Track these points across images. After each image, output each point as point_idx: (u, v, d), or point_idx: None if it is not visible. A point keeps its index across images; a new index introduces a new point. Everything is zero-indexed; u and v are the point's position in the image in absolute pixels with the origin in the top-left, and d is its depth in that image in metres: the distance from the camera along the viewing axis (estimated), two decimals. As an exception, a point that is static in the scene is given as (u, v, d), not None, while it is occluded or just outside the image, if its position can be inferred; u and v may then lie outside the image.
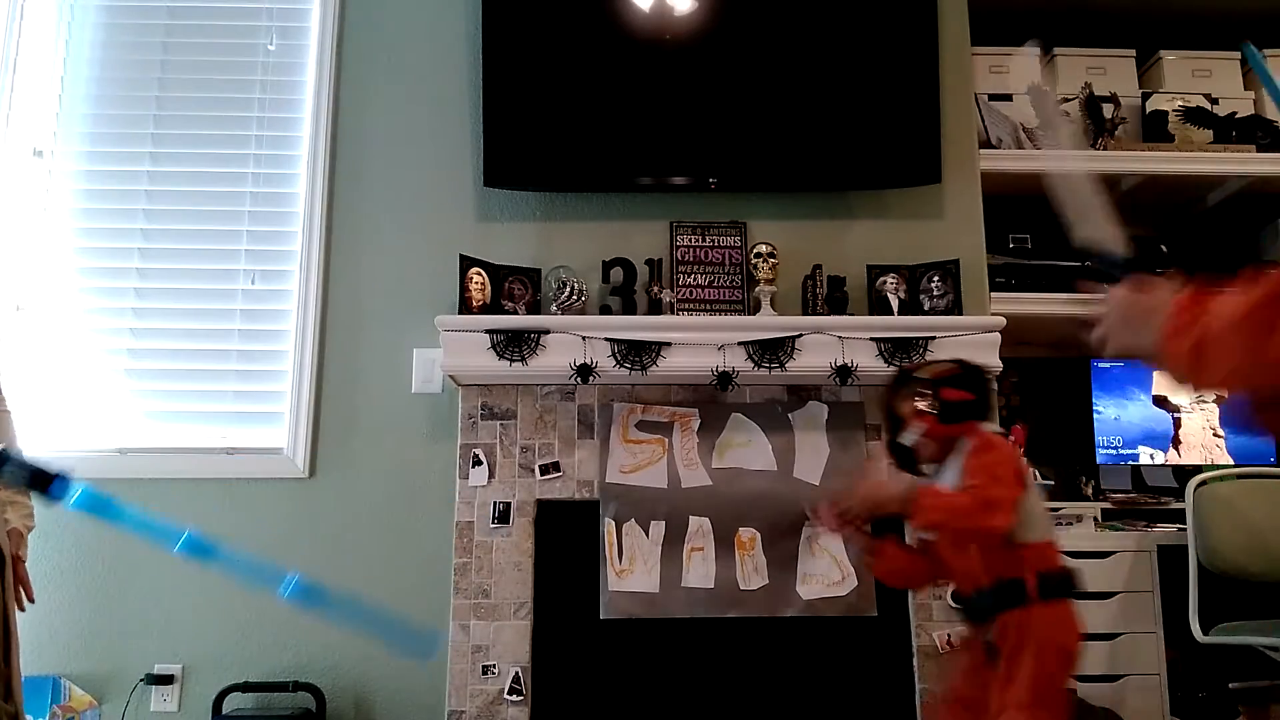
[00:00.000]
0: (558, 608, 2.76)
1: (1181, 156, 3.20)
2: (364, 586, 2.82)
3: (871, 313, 2.89)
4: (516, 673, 2.70)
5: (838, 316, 2.83)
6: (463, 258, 2.84)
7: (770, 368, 2.72)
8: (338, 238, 3.03)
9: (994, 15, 3.33)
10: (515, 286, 2.89)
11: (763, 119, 2.97)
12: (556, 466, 2.82)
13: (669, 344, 2.72)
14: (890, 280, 2.90)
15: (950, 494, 1.87)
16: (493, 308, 2.83)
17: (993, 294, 3.03)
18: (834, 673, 2.75)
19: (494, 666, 2.70)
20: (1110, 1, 3.47)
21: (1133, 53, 3.49)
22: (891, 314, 2.86)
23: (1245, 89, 3.48)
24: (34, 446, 2.91)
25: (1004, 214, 3.25)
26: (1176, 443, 3.35)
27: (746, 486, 2.80)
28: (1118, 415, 3.36)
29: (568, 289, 2.87)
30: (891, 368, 2.72)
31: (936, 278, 2.89)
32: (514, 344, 2.71)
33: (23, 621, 2.81)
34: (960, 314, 2.85)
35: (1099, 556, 2.85)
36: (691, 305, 2.93)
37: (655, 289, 2.89)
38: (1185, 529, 2.75)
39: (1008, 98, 3.32)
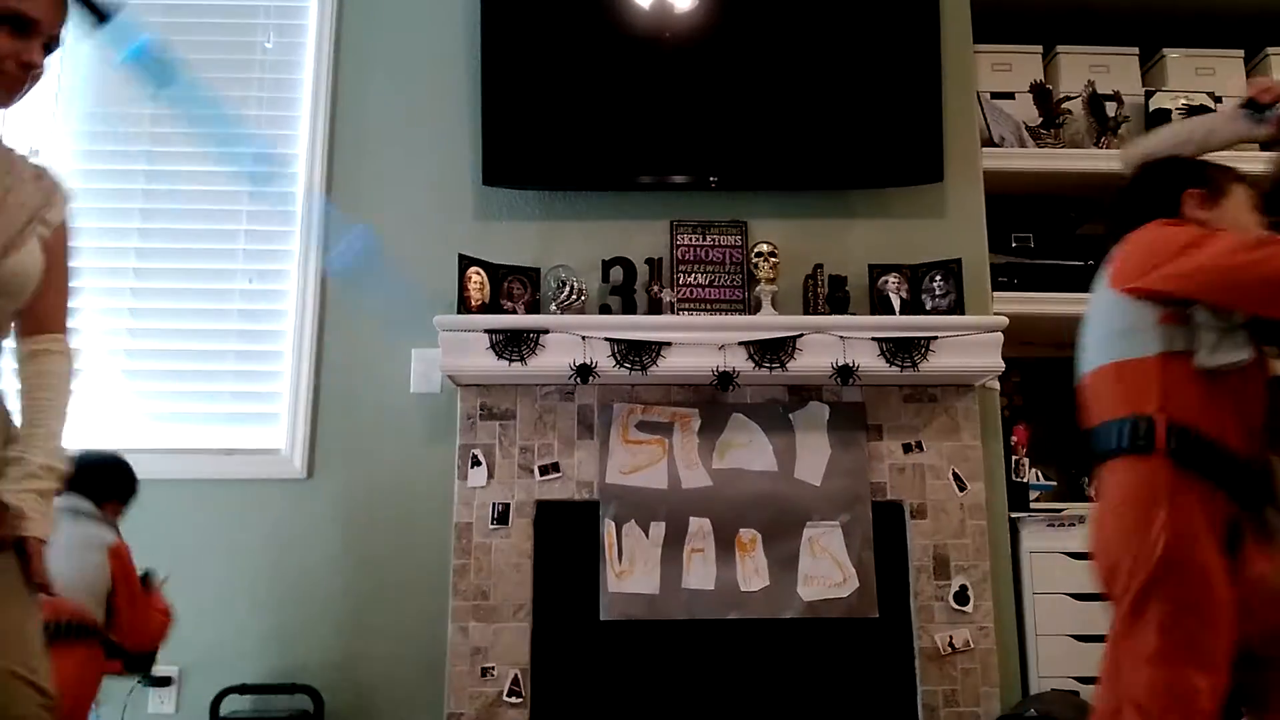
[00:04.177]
0: (557, 609, 2.75)
1: (1185, 155, 3.17)
2: (363, 587, 2.81)
3: (873, 312, 2.88)
4: (516, 675, 2.68)
5: (839, 316, 2.81)
6: (462, 257, 2.83)
7: (771, 368, 2.70)
8: (336, 237, 3.02)
9: (996, 13, 3.31)
10: (514, 286, 2.87)
11: (763, 117, 2.95)
12: (556, 467, 2.80)
13: (669, 344, 2.71)
14: (892, 280, 2.89)
15: None
16: (492, 307, 2.82)
17: (995, 293, 3.01)
18: (835, 674, 2.74)
19: (493, 668, 2.69)
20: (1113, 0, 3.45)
21: (1136, 51, 3.48)
22: (893, 313, 2.84)
23: (1249, 87, 3.46)
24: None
25: (1006, 213, 3.23)
26: (1180, 443, 3.32)
27: (747, 487, 2.78)
28: (1121, 415, 3.34)
29: (567, 289, 2.85)
30: (893, 368, 2.71)
31: (938, 277, 2.87)
32: (513, 344, 2.70)
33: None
34: (962, 314, 2.84)
35: (1102, 558, 2.83)
36: (692, 305, 2.92)
37: (655, 289, 2.88)
38: (1189, 530, 2.72)
39: (1010, 96, 3.30)
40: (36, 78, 1.42)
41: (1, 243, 1.36)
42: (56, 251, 1.47)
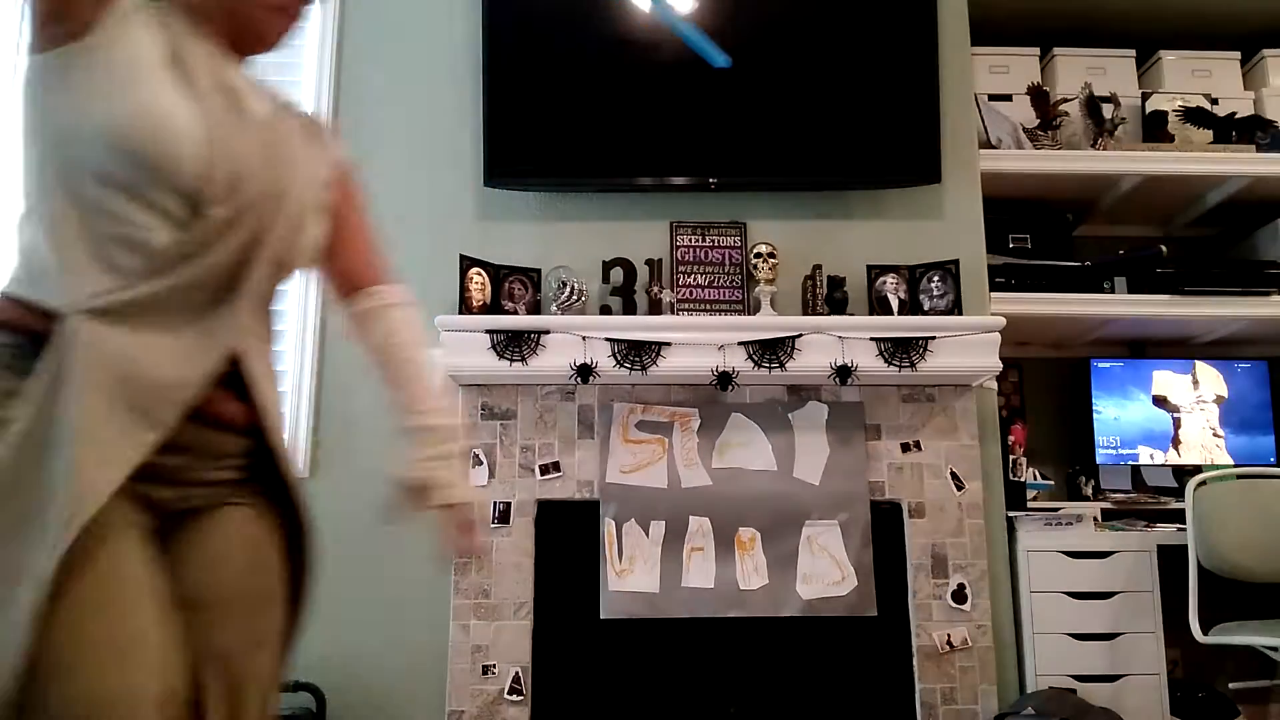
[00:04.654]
0: (558, 608, 2.76)
1: (1181, 156, 3.20)
2: (364, 585, 2.82)
3: (871, 313, 2.90)
4: (516, 673, 2.70)
5: (838, 316, 2.83)
6: (463, 258, 2.84)
7: (770, 368, 2.72)
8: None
9: (994, 16, 3.34)
10: (515, 286, 2.89)
11: (763, 119, 2.97)
12: (556, 466, 2.82)
13: (669, 344, 2.73)
14: (890, 280, 2.91)
15: None
16: (493, 308, 2.84)
17: (993, 294, 3.03)
18: (834, 673, 2.76)
19: (494, 666, 2.70)
20: (1110, 2, 3.47)
21: (1132, 53, 3.50)
22: (891, 314, 2.86)
23: (1245, 89, 3.48)
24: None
25: (1004, 214, 3.25)
26: (1176, 443, 3.35)
27: (746, 486, 2.80)
28: (1118, 415, 3.36)
29: (568, 289, 2.87)
30: (891, 368, 2.73)
31: (936, 278, 2.89)
32: (514, 344, 2.71)
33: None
34: (960, 314, 2.85)
35: (1099, 556, 2.85)
36: (691, 305, 2.94)
37: (655, 289, 2.89)
38: (1185, 529, 2.75)
39: (1008, 98, 3.32)
40: (302, 14, 1.23)
41: (298, 213, 1.19)
42: (343, 200, 1.33)
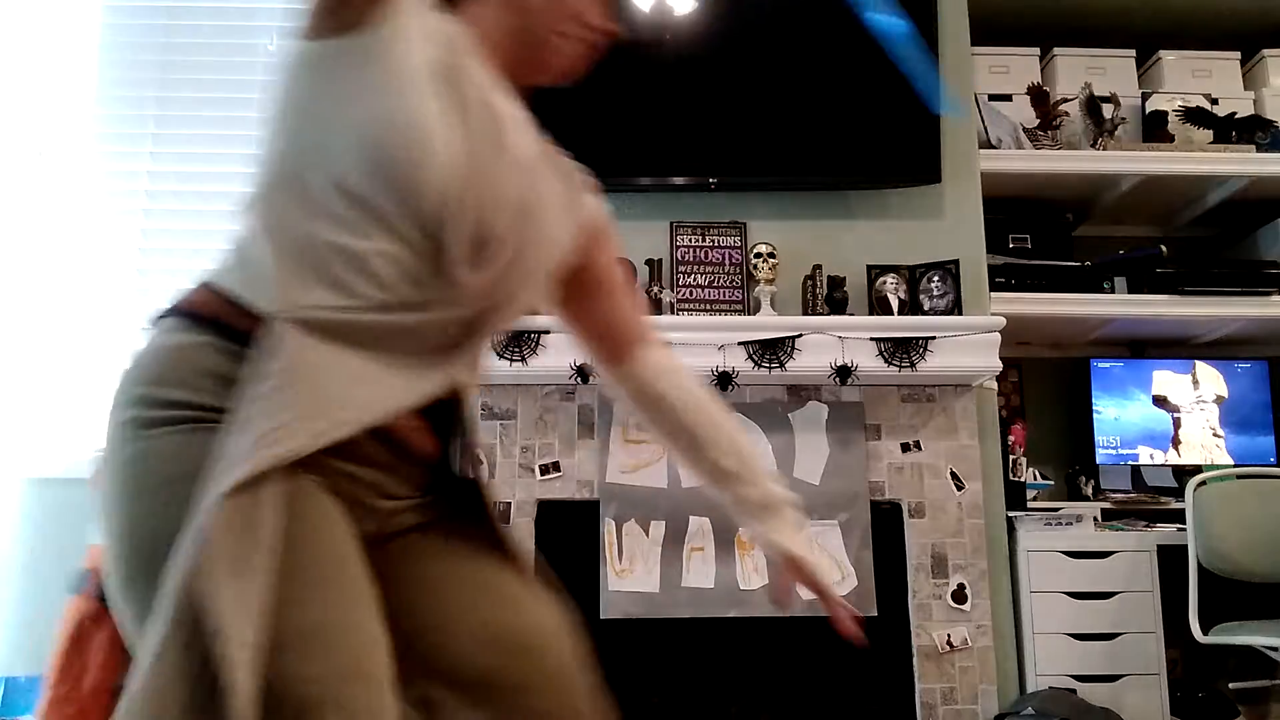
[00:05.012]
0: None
1: (1181, 156, 3.20)
2: (364, 586, 2.82)
3: (871, 313, 2.89)
4: (516, 673, 2.69)
5: (838, 316, 2.83)
6: (463, 258, 2.84)
7: (770, 368, 2.72)
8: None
9: (994, 15, 3.33)
10: (515, 286, 2.89)
11: (762, 119, 2.97)
12: (556, 466, 2.82)
13: (669, 344, 2.72)
14: (890, 280, 2.91)
15: None
16: (493, 308, 2.83)
17: (993, 294, 3.03)
18: (834, 672, 2.75)
19: (494, 666, 2.70)
20: (1110, 2, 3.47)
21: (1132, 53, 3.50)
22: (891, 314, 2.86)
23: (1245, 89, 3.48)
24: (35, 454, 2.91)
25: (1004, 214, 3.25)
26: (1176, 443, 3.35)
27: (746, 486, 2.80)
28: (1118, 415, 3.36)
29: (568, 289, 2.87)
30: (891, 368, 2.73)
31: (936, 278, 2.89)
32: (514, 344, 2.71)
33: (12, 621, 2.81)
34: (960, 314, 2.85)
35: (1099, 556, 2.85)
36: (691, 305, 2.93)
37: (655, 289, 2.89)
38: (1185, 529, 2.75)
39: (1008, 98, 3.32)
40: (598, 47, 1.16)
41: (542, 268, 1.12)
42: (599, 256, 1.25)
